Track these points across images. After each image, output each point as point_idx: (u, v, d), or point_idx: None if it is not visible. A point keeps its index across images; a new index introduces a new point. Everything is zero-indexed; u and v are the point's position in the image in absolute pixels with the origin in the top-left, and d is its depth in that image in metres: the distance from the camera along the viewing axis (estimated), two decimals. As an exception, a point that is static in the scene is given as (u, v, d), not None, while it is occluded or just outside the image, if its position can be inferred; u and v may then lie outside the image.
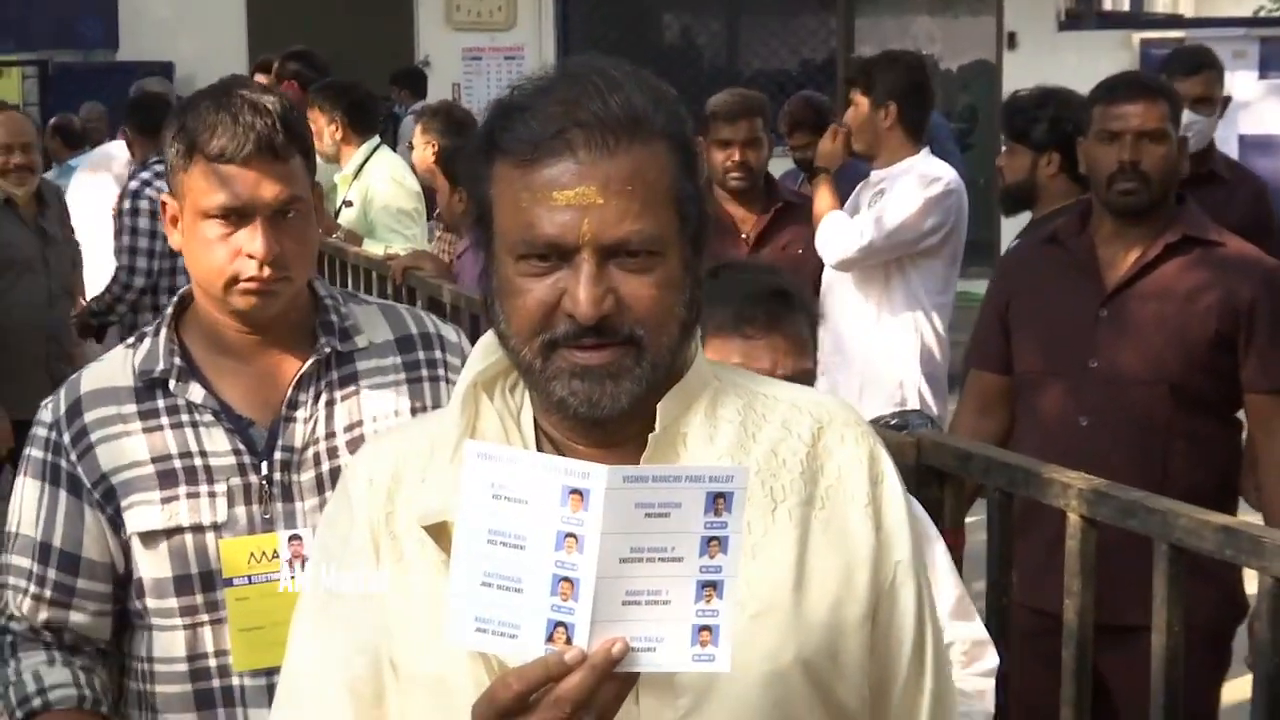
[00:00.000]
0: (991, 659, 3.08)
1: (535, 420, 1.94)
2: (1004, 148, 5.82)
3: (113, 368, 2.75)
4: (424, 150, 7.37)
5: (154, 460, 2.66)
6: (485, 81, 14.97)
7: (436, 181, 7.12)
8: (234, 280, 2.63)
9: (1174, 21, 17.58)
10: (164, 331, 2.74)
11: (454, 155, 6.99)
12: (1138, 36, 13.51)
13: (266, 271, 2.62)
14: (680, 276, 1.86)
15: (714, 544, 1.68)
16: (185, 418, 2.69)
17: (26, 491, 2.72)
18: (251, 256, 2.61)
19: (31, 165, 7.22)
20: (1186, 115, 5.12)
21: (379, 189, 7.79)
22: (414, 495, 1.94)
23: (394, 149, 8.69)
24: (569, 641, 1.66)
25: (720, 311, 2.89)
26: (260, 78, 9.32)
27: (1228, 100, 6.36)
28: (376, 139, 8.03)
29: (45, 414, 2.74)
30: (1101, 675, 3.62)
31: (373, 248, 7.51)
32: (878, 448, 1.99)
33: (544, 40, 15.34)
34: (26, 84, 14.86)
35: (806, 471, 1.93)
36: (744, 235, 6.18)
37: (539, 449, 1.92)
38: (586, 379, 1.83)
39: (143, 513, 2.65)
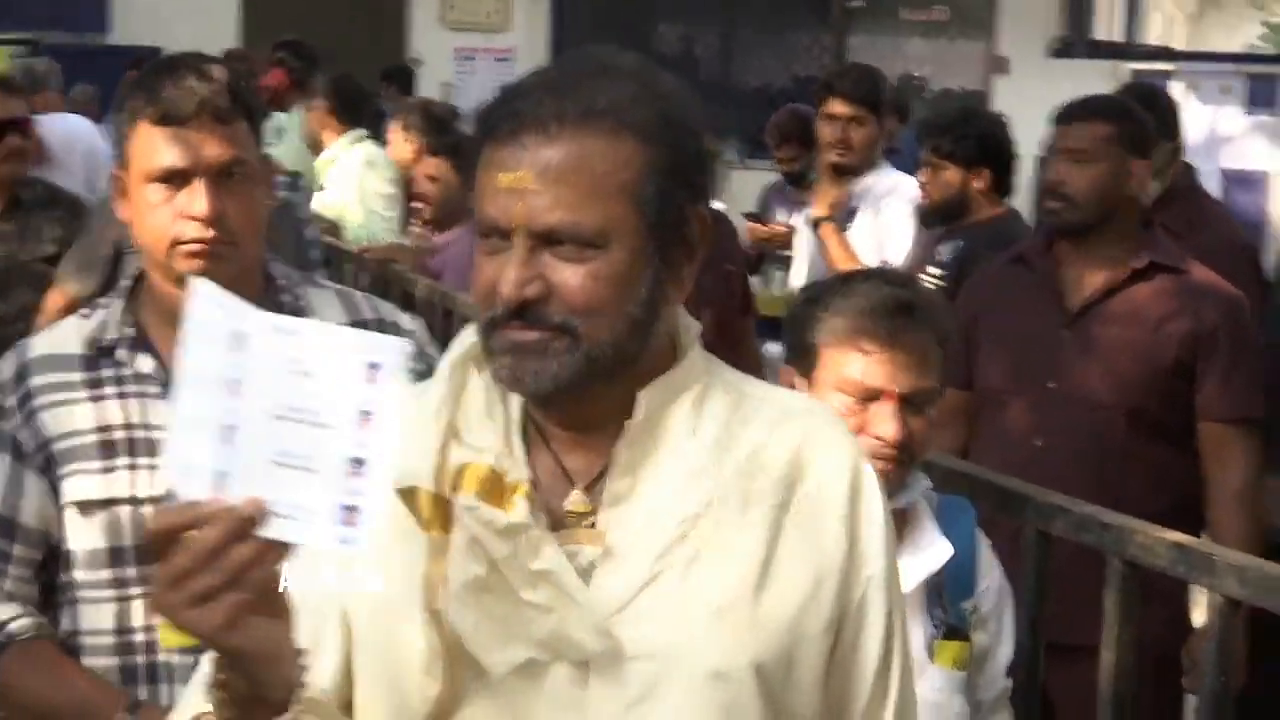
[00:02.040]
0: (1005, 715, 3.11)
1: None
2: (925, 166, 5.88)
3: (64, 335, 2.73)
4: (403, 146, 7.45)
5: (97, 430, 2.64)
6: (477, 81, 14.95)
7: (416, 176, 7.17)
8: (175, 243, 2.62)
9: (1163, 54, 17.59)
10: (118, 303, 2.72)
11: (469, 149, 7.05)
12: (1127, 67, 13.53)
13: (209, 233, 2.60)
14: (629, 272, 1.85)
15: (365, 418, 1.66)
16: (132, 388, 2.67)
17: None
18: (193, 218, 2.60)
19: None
20: None
21: (359, 173, 7.92)
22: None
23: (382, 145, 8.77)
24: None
25: (837, 323, 2.85)
26: None
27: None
28: (362, 131, 8.14)
29: None
30: (1047, 696, 3.59)
31: (355, 234, 7.60)
32: (861, 461, 1.99)
33: (535, 43, 15.34)
34: (16, 64, 14.82)
35: (785, 477, 1.92)
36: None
37: (524, 431, 1.92)
38: (513, 355, 1.84)
39: (81, 482, 2.63)
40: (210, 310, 1.69)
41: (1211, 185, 13.09)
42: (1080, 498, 3.46)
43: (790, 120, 8.64)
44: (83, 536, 2.64)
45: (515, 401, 1.93)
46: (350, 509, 1.66)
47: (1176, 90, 13.21)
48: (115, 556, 2.64)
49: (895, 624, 1.99)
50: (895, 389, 2.81)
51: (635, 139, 1.85)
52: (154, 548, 1.65)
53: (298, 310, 2.75)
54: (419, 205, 7.09)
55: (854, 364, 2.82)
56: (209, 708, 1.77)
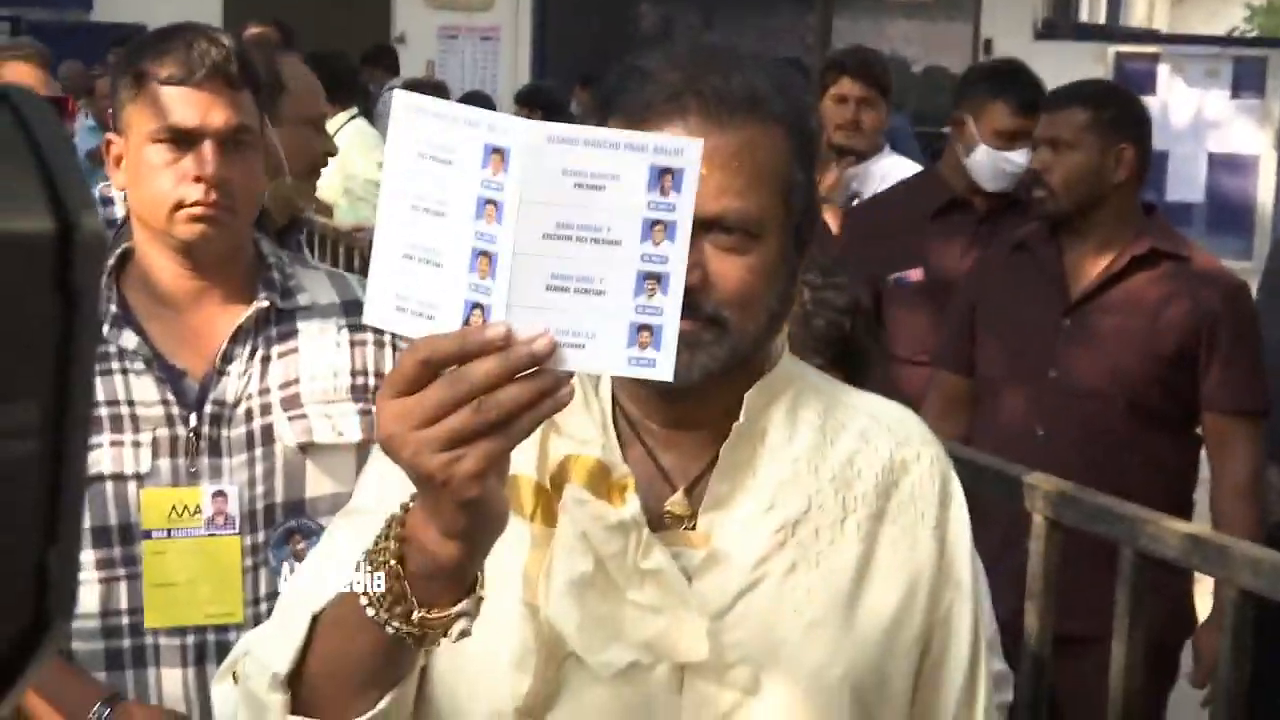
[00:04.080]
0: (1007, 693, 3.02)
1: (614, 396, 1.88)
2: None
3: None
4: None
5: None
6: (459, 61, 14.89)
7: None
8: (178, 206, 2.57)
9: (1149, 36, 17.60)
10: (104, 280, 2.65)
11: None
12: (1113, 50, 13.53)
13: (212, 195, 2.57)
14: (776, 265, 1.80)
15: (658, 228, 1.46)
16: (115, 365, 2.61)
17: None
18: (199, 179, 2.56)
19: None
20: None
21: (349, 157, 7.79)
22: None
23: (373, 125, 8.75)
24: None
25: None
26: None
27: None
28: (354, 109, 8.07)
29: None
30: (1052, 687, 3.57)
31: (341, 216, 7.51)
32: (949, 470, 1.96)
33: (520, 22, 15.28)
34: (-1, 40, 14.75)
35: (880, 485, 1.89)
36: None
37: (615, 426, 1.85)
38: None
39: None
40: (435, 124, 1.48)
41: (1198, 169, 13.15)
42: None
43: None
44: None
45: (606, 394, 1.87)
46: (644, 329, 1.46)
47: (1163, 73, 13.24)
48: (99, 536, 2.58)
49: (981, 638, 1.95)
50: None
51: (784, 131, 1.80)
52: (415, 376, 1.42)
53: (288, 290, 2.70)
54: None
55: None
56: (362, 587, 1.53)
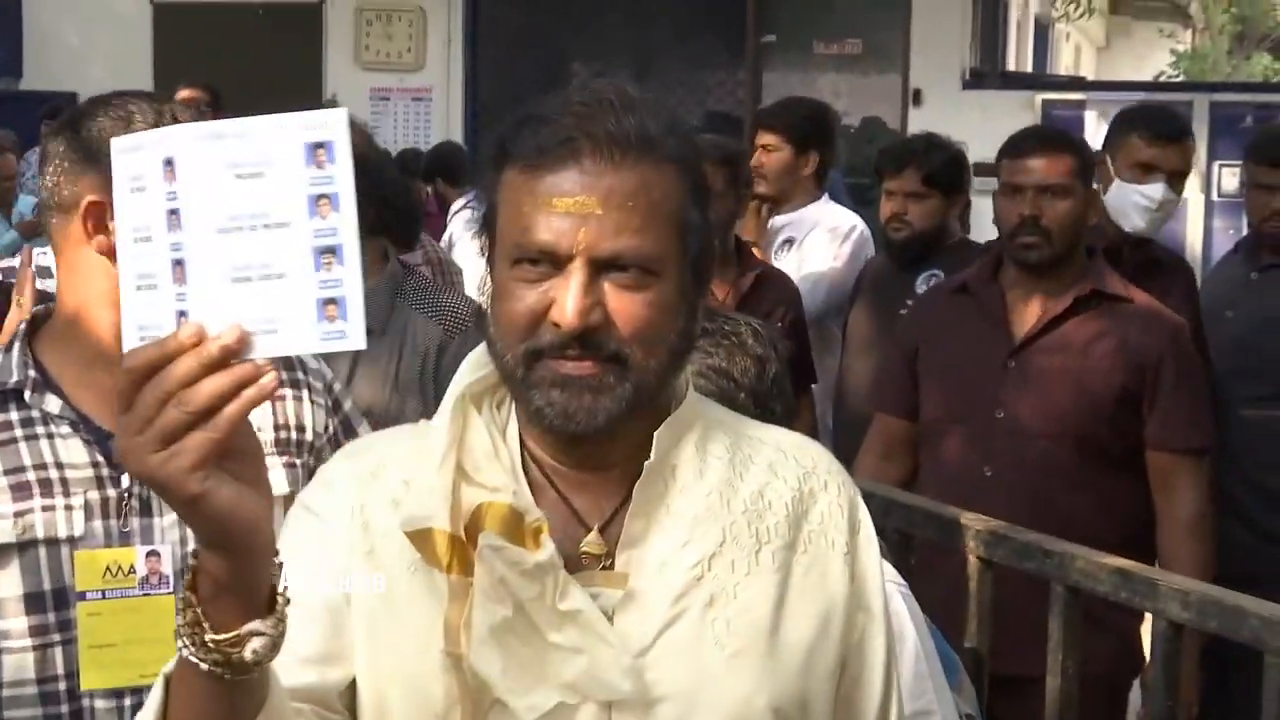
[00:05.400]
0: None
1: (520, 438, 1.91)
2: (901, 196, 5.66)
3: None
4: None
5: (6, 473, 2.55)
6: (392, 122, 14.90)
7: None
8: None
9: (1075, 83, 17.74)
10: (17, 346, 2.64)
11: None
12: (1040, 97, 13.64)
13: None
14: (675, 302, 1.84)
15: (323, 202, 1.51)
16: (40, 429, 2.59)
17: None
18: None
19: None
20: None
21: None
22: (395, 496, 1.89)
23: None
24: None
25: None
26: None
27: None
28: None
29: None
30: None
31: None
32: (856, 497, 2.01)
33: (452, 83, 15.29)
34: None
35: (791, 516, 1.93)
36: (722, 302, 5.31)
37: (526, 473, 1.89)
38: (566, 389, 1.80)
39: None
40: (132, 157, 1.55)
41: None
42: (1030, 527, 3.47)
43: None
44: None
45: (513, 437, 1.90)
46: (329, 302, 1.52)
47: (1090, 120, 13.35)
48: (32, 603, 2.55)
49: (893, 662, 2.00)
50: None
51: (677, 170, 1.85)
52: (124, 391, 1.48)
53: None
54: None
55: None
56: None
